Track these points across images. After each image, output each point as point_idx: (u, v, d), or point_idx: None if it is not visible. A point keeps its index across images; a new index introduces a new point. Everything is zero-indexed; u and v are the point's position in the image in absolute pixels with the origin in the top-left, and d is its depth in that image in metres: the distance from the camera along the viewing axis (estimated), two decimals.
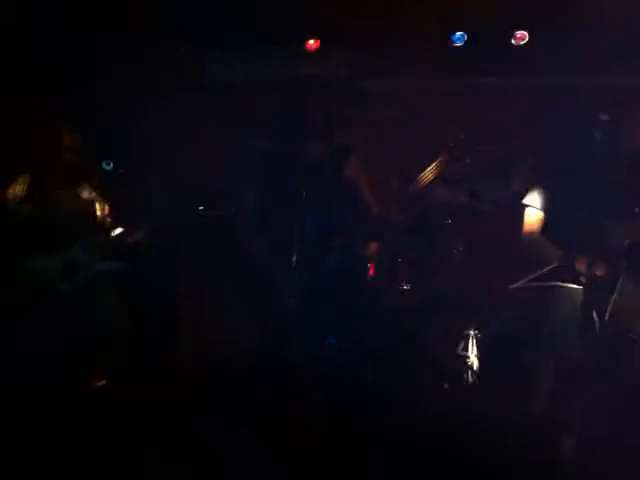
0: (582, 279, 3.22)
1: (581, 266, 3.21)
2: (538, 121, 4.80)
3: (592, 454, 2.95)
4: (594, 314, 3.09)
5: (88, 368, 3.60)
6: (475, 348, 4.21)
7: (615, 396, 2.93)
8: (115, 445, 3.11)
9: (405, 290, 4.25)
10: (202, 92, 5.22)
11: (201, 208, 4.97)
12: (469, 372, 4.18)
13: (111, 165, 4.39)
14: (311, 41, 4.91)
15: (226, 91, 5.21)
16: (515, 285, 3.32)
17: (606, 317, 3.07)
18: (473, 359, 4.18)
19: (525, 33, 4.67)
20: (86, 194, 3.58)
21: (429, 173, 3.05)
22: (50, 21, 4.31)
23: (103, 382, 3.57)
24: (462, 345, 4.21)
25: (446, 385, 4.15)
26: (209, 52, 5.15)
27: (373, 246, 4.13)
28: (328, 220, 3.39)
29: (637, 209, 3.24)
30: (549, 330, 3.39)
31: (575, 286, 3.24)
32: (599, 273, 3.14)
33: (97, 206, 3.61)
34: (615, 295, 3.15)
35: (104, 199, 3.65)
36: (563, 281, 3.28)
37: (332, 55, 4.99)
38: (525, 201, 3.48)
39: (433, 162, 3.05)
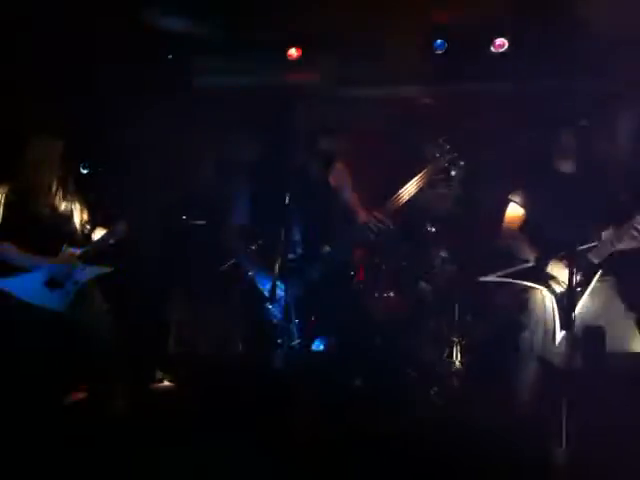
0: (553, 281, 3.24)
1: (555, 268, 3.24)
2: (521, 125, 4.84)
3: (575, 455, 2.96)
4: (562, 317, 3.12)
5: (78, 379, 3.58)
6: (460, 354, 4.22)
7: (589, 396, 2.95)
8: (106, 453, 3.07)
9: (390, 297, 4.24)
10: (186, 99, 5.20)
11: (184, 217, 4.94)
12: (454, 377, 4.20)
13: (89, 169, 4.28)
14: (292, 50, 4.91)
15: (210, 98, 5.20)
16: (485, 278, 3.34)
17: (575, 320, 3.10)
18: (458, 365, 4.20)
19: (504, 40, 4.71)
20: (68, 200, 3.54)
21: (413, 185, 3.07)
22: (36, 22, 4.27)
23: (93, 391, 3.53)
24: (447, 351, 4.23)
25: (432, 390, 4.15)
26: (194, 59, 5.12)
27: (358, 253, 4.13)
28: (313, 227, 3.39)
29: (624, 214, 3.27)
30: (528, 334, 3.41)
31: (545, 288, 3.27)
32: (572, 275, 3.17)
33: (79, 212, 3.57)
34: (585, 298, 3.18)
35: (87, 204, 3.61)
36: (534, 281, 3.30)
37: (315, 63, 4.98)
38: (509, 197, 3.51)
39: (418, 172, 3.06)
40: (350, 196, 3.48)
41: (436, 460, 3.04)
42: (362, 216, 3.35)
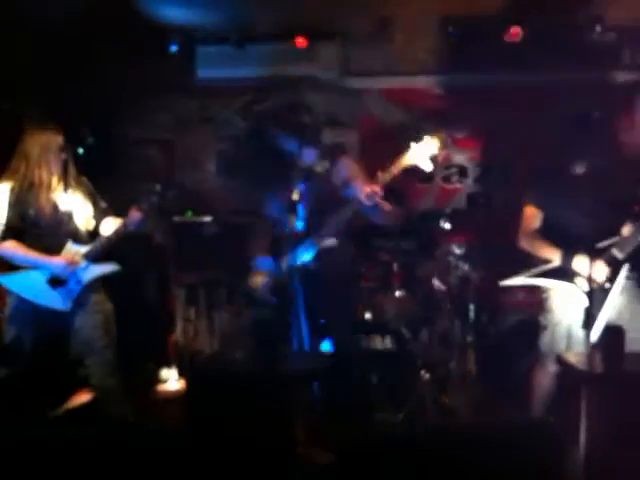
0: (579, 281, 3.15)
1: (578, 265, 3.15)
2: (536, 119, 4.75)
3: (592, 462, 2.89)
4: (590, 318, 3.03)
5: (78, 381, 3.52)
6: (473, 355, 4.14)
7: (615, 400, 2.87)
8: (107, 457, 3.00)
9: (400, 295, 4.14)
10: (189, 92, 5.14)
11: (190, 214, 4.88)
12: (468, 380, 4.12)
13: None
14: (300, 39, 4.82)
15: (213, 90, 5.13)
16: (508, 282, 3.27)
17: (602, 320, 3.01)
18: (471, 366, 4.12)
19: (518, 29, 4.59)
20: (72, 196, 3.46)
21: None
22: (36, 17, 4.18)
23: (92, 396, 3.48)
24: (459, 353, 4.14)
25: (443, 393, 4.07)
26: (195, 50, 5.03)
27: (366, 248, 4.07)
28: (320, 221, 3.32)
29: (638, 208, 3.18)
30: (547, 336, 3.33)
31: (568, 287, 3.18)
32: (598, 275, 3.08)
33: (84, 209, 3.50)
34: (612, 298, 3.09)
35: (91, 201, 3.54)
36: (558, 280, 3.22)
37: (322, 53, 4.89)
38: (525, 198, 3.42)
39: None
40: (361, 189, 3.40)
41: (448, 467, 2.98)
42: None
